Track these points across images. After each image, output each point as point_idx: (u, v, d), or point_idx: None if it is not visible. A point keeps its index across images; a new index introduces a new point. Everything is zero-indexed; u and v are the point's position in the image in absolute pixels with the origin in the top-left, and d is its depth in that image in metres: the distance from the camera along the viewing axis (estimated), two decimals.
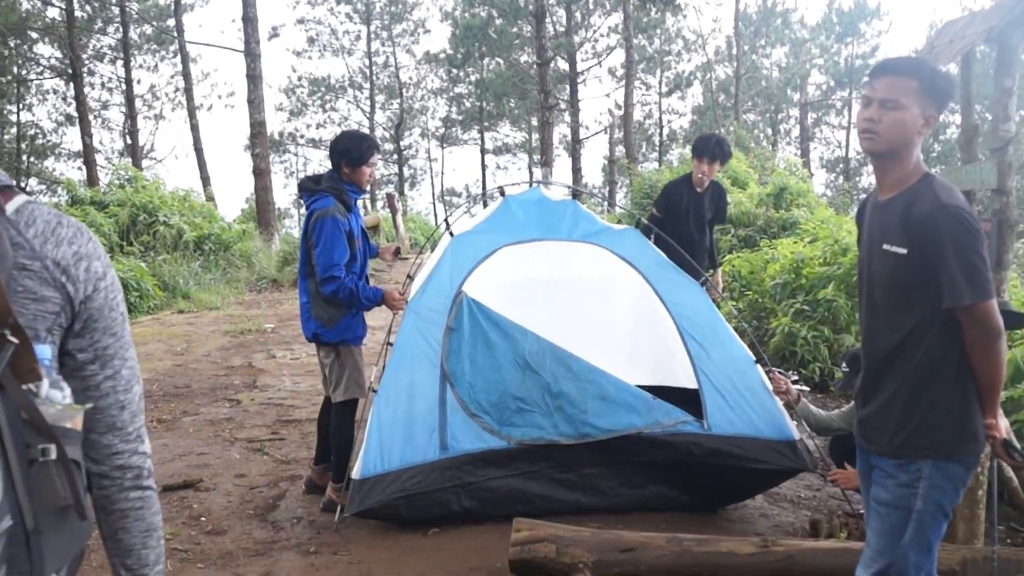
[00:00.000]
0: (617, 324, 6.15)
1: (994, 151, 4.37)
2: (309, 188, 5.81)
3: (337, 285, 5.51)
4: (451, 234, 6.03)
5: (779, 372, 8.51)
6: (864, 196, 3.40)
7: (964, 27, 4.46)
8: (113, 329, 1.76)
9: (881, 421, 3.14)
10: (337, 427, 5.84)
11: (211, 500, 6.08)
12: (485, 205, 6.47)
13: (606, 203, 26.05)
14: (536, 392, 5.46)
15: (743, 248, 14.00)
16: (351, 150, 5.74)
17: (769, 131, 52.36)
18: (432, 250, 6.43)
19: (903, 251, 2.97)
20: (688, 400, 5.70)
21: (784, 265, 10.90)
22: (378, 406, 5.33)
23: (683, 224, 7.84)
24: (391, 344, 5.71)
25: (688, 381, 5.81)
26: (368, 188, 6.03)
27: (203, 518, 5.75)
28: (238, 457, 7.02)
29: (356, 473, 5.14)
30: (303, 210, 6.02)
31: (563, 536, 4.58)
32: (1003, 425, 3.11)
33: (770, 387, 5.69)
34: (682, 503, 5.71)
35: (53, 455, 1.48)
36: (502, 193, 6.29)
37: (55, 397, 1.54)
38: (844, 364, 5.55)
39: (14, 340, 1.47)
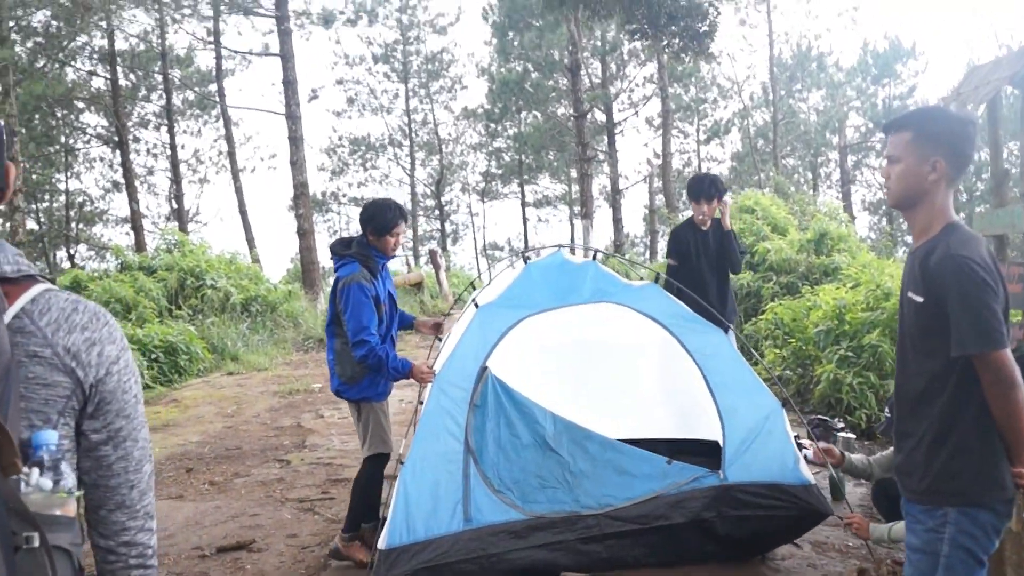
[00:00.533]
0: (641, 381, 6.30)
1: None
2: (338, 252, 5.99)
3: (367, 350, 5.64)
4: (476, 305, 6.11)
5: (819, 432, 8.51)
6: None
7: (989, 72, 4.52)
8: (126, 411, 1.84)
9: (909, 466, 3.17)
10: (362, 481, 6.02)
11: (264, 560, 6.17)
12: (526, 262, 6.54)
13: (647, 253, 26.07)
14: (557, 470, 5.59)
15: (785, 295, 13.98)
16: (376, 219, 5.91)
17: (809, 175, 52.20)
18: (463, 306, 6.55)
19: (920, 299, 3.04)
20: (716, 449, 5.83)
21: (827, 312, 10.89)
22: (404, 477, 5.39)
23: (695, 265, 7.96)
24: (422, 403, 5.80)
25: (714, 432, 5.90)
26: (395, 254, 6.16)
27: None
28: (289, 517, 7.10)
29: (382, 543, 5.20)
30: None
31: None
32: None
33: (791, 433, 5.80)
34: (714, 556, 5.74)
35: (36, 543, 1.56)
36: (525, 260, 6.43)
37: (44, 485, 1.62)
38: (887, 409, 5.56)
39: None
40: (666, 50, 14.12)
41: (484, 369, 5.75)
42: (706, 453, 5.95)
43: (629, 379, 6.30)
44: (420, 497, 5.36)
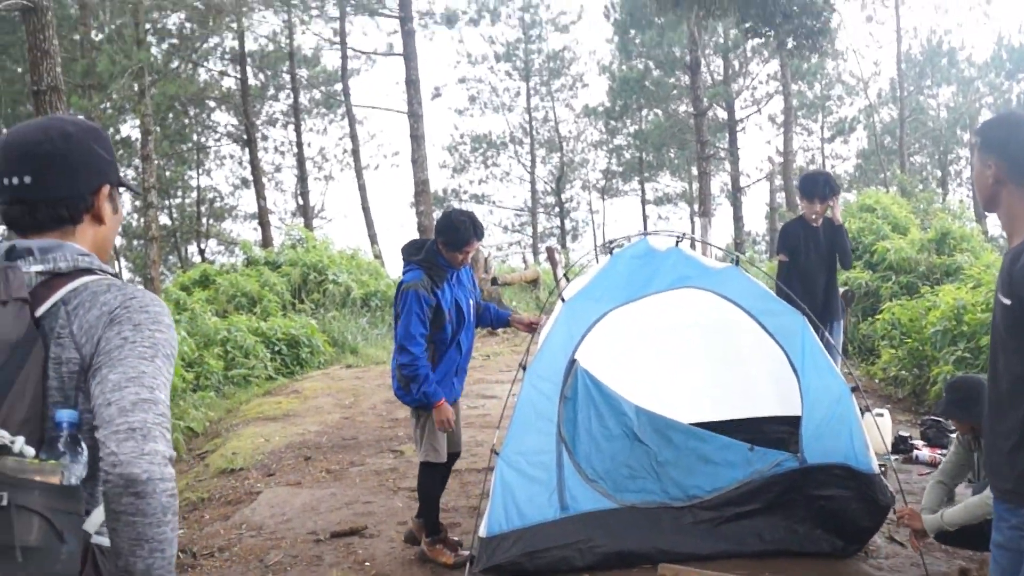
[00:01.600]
0: (723, 363, 6.38)
1: None
2: (406, 257, 6.01)
3: (409, 359, 5.69)
4: (562, 299, 6.31)
5: (932, 434, 8.40)
6: None
7: None
8: (112, 356, 1.89)
9: (996, 466, 3.20)
10: (420, 485, 6.18)
11: (375, 546, 6.42)
12: (611, 253, 6.64)
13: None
14: (644, 460, 5.81)
15: (904, 295, 13.77)
16: (449, 233, 5.84)
17: (938, 173, 50.94)
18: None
19: (1008, 301, 3.05)
20: (795, 423, 6.03)
21: (945, 312, 10.71)
22: (501, 467, 5.67)
23: (805, 261, 8.01)
24: (514, 396, 6.00)
25: (791, 407, 6.07)
26: (462, 267, 6.09)
27: (367, 563, 6.10)
28: (400, 506, 7.35)
29: (483, 531, 5.50)
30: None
31: None
32: None
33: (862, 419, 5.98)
34: (815, 552, 5.84)
35: (4, 502, 1.69)
36: (610, 251, 6.59)
37: (28, 452, 1.77)
38: (944, 390, 5.53)
39: None
40: (783, 48, 14.00)
41: (573, 362, 5.95)
42: (787, 428, 6.13)
43: (710, 364, 6.43)
44: (517, 486, 5.63)
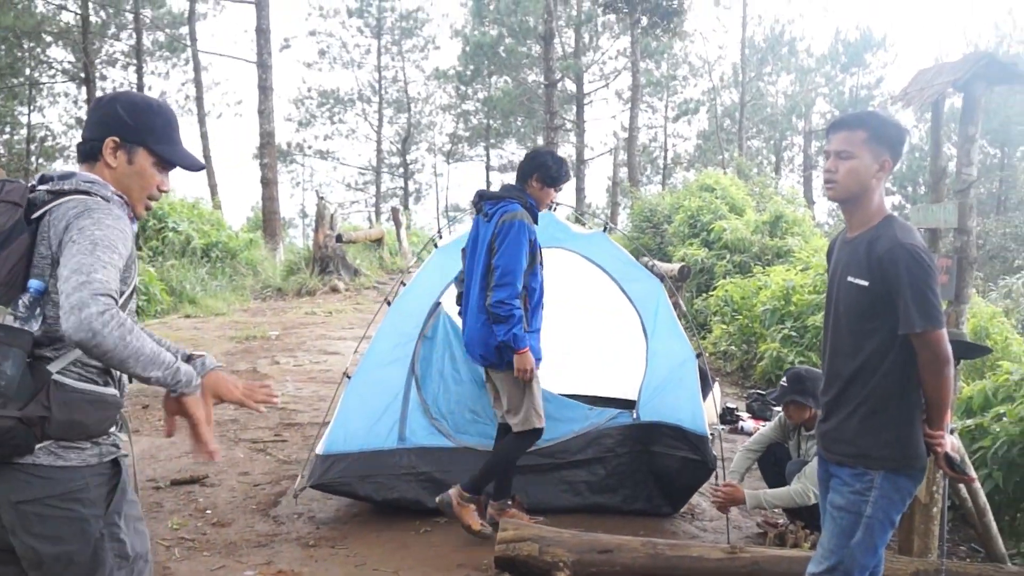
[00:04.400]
0: (581, 326, 6.73)
1: (957, 193, 4.70)
2: (493, 196, 5.48)
3: (507, 294, 5.13)
4: (435, 245, 6.65)
5: (757, 407, 8.85)
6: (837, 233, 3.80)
7: (933, 76, 4.80)
8: (64, 254, 2.46)
9: (841, 434, 3.47)
10: (505, 456, 5.54)
11: (216, 495, 6.40)
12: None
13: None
14: (489, 408, 5.95)
15: (737, 274, 14.33)
16: (551, 168, 5.47)
17: (773, 158, 52.66)
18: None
19: (865, 283, 3.32)
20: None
21: (775, 292, 11.22)
22: (348, 392, 5.99)
23: None
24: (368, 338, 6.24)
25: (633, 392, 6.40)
26: (545, 209, 5.71)
27: (208, 511, 6.07)
28: (242, 456, 7.34)
29: (320, 449, 5.80)
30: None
31: (546, 536, 4.89)
32: (948, 441, 3.44)
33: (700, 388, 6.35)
34: (643, 511, 6.12)
35: None
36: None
37: None
38: (784, 379, 5.88)
39: None
40: (637, 26, 14.32)
41: (438, 304, 6.24)
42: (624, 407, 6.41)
43: (569, 327, 6.78)
44: (360, 412, 5.92)
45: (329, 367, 10.88)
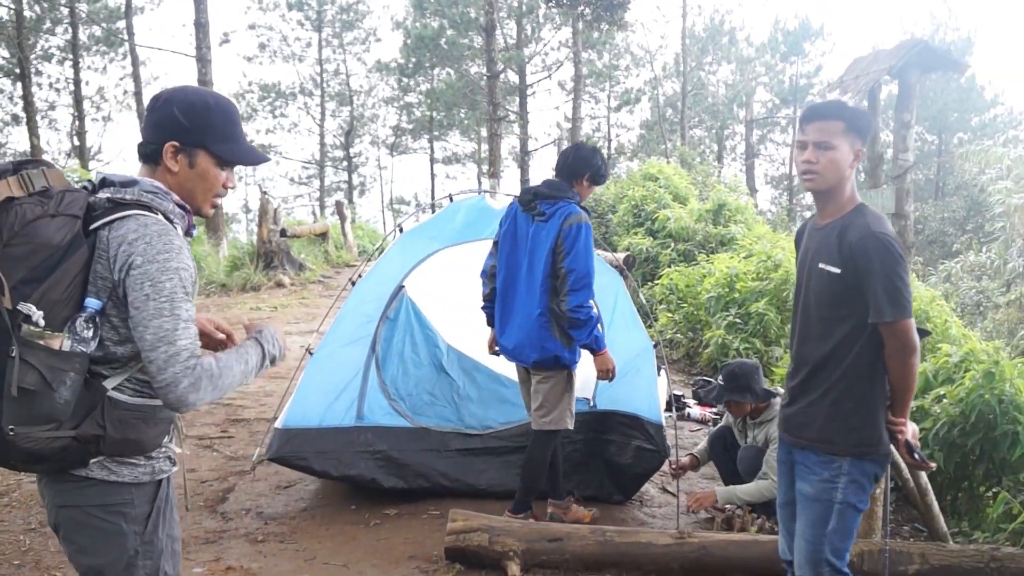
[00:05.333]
0: None
1: (894, 178, 4.78)
2: (549, 197, 5.31)
3: (585, 298, 5.11)
4: (400, 230, 6.82)
5: (703, 393, 8.96)
6: (805, 218, 3.86)
7: (869, 64, 4.87)
8: (140, 311, 2.44)
9: (807, 418, 3.53)
10: (537, 458, 5.44)
11: None
12: (433, 212, 7.05)
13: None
14: (448, 391, 6.21)
15: (681, 262, 14.44)
16: (600, 168, 5.46)
17: (715, 147, 53.07)
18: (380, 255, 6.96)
19: (837, 270, 3.37)
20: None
21: (719, 279, 11.32)
22: (311, 368, 6.12)
23: None
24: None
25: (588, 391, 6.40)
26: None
27: None
28: (188, 453, 7.27)
29: (279, 423, 5.87)
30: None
31: (495, 526, 4.93)
32: (910, 429, 3.50)
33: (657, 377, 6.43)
34: (595, 497, 6.16)
35: (14, 354, 2.33)
36: (451, 199, 7.05)
37: (40, 322, 2.36)
38: (719, 377, 5.98)
39: None
40: (581, 18, 14.35)
41: (401, 288, 6.38)
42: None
43: None
44: (321, 389, 6.03)
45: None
